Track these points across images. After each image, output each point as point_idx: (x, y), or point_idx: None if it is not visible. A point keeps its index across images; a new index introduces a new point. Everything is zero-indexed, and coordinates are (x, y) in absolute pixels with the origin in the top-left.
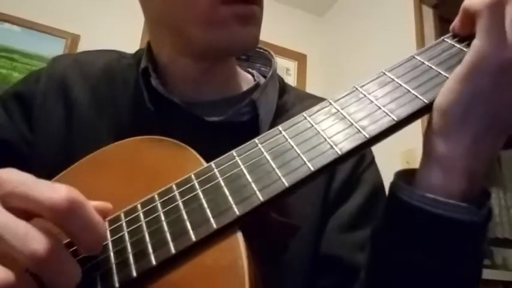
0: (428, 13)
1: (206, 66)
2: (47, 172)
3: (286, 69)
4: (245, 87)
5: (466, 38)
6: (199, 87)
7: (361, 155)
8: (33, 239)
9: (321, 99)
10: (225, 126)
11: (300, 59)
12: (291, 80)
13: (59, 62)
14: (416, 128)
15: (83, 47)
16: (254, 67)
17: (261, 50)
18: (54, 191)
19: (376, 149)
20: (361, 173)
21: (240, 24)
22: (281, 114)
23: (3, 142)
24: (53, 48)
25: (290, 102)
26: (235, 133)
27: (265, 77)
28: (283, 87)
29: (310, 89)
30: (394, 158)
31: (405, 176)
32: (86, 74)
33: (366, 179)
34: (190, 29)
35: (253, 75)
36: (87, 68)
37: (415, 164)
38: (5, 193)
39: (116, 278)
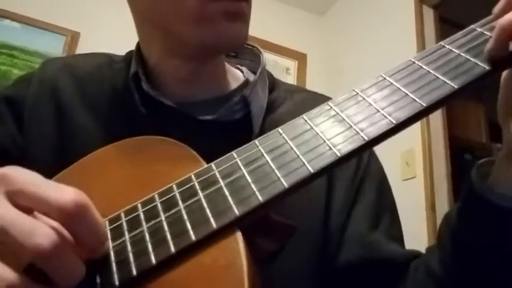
0: (428, 13)
1: (196, 66)
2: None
3: (286, 68)
4: (235, 84)
5: (465, 43)
6: (190, 87)
7: None
8: (39, 233)
9: (311, 92)
10: (218, 124)
11: (300, 58)
12: (291, 79)
13: (50, 66)
14: (416, 128)
15: (82, 44)
16: (243, 63)
17: (249, 46)
18: (62, 193)
19: (375, 149)
20: (366, 165)
21: (228, 21)
22: (272, 109)
23: None
24: (52, 45)
25: (281, 97)
26: (228, 131)
27: (254, 73)
28: (273, 83)
29: (310, 88)
30: (394, 158)
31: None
32: (76, 77)
33: (372, 172)
34: (179, 27)
35: (242, 72)
36: (77, 71)
37: (415, 164)
38: (13, 191)
39: (116, 277)
